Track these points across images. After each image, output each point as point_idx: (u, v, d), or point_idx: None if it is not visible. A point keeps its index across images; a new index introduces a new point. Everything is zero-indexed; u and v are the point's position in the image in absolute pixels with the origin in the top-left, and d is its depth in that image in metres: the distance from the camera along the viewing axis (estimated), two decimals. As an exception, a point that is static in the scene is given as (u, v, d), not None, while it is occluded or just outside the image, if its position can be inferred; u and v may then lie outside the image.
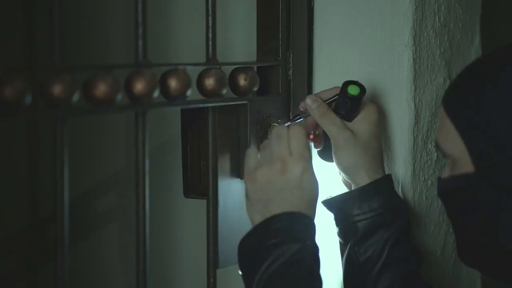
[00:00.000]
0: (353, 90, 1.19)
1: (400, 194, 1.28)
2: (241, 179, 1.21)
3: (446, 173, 1.01)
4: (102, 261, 1.57)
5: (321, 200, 1.21)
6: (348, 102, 1.19)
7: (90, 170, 1.53)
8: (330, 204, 1.21)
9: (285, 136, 1.10)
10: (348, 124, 1.19)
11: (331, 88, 1.22)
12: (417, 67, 1.30)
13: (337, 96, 1.20)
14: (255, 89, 1.21)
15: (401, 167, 1.29)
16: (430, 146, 1.34)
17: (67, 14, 0.96)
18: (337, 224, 1.20)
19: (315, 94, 1.23)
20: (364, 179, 1.18)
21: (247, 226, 1.21)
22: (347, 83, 1.19)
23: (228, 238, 1.18)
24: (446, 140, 0.99)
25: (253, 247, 1.04)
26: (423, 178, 1.32)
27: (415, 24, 1.29)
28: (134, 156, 1.04)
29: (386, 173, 1.23)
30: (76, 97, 0.94)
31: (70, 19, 1.10)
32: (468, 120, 0.95)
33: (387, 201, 1.18)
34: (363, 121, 1.19)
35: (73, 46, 1.37)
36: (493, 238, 0.96)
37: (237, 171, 1.22)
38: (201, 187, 1.22)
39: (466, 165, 0.96)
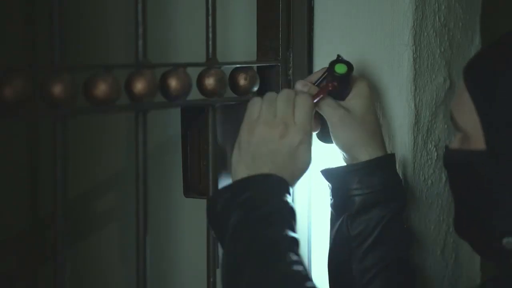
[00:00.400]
0: (340, 69, 1.17)
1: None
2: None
3: (455, 144, 1.01)
4: (102, 261, 1.57)
5: (321, 169, 1.21)
6: (337, 81, 1.17)
7: (90, 170, 1.53)
8: (329, 174, 1.20)
9: (292, 100, 1.10)
10: (342, 102, 1.18)
11: (319, 70, 1.21)
12: (417, 66, 1.30)
13: (325, 75, 1.19)
14: (255, 89, 1.20)
15: (401, 167, 1.29)
16: (430, 145, 1.34)
17: (67, 14, 0.96)
18: (333, 196, 1.19)
19: (306, 78, 1.22)
20: (364, 156, 1.17)
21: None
22: (334, 63, 1.18)
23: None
24: (461, 113, 0.98)
25: (225, 203, 1.04)
26: (423, 178, 1.32)
27: (415, 24, 1.29)
28: (134, 156, 1.04)
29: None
30: (76, 97, 0.94)
31: (70, 19, 1.10)
32: (487, 96, 0.94)
33: (388, 180, 1.18)
34: (355, 98, 1.18)
35: (73, 46, 1.37)
36: (488, 217, 0.96)
37: (237, 171, 1.22)
38: (201, 186, 1.22)
39: (478, 141, 0.95)
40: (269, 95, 1.12)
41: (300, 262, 0.96)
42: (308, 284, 0.94)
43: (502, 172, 0.94)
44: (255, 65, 1.24)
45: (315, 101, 1.15)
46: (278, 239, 0.99)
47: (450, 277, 1.37)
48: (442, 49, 1.35)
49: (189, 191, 1.25)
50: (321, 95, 1.16)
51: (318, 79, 1.20)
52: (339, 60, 1.18)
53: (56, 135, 0.95)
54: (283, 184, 1.05)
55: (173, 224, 1.57)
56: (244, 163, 1.08)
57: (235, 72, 1.19)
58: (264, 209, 1.02)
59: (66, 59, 0.95)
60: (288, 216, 1.02)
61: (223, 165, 1.20)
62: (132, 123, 1.04)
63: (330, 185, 1.20)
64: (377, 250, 1.16)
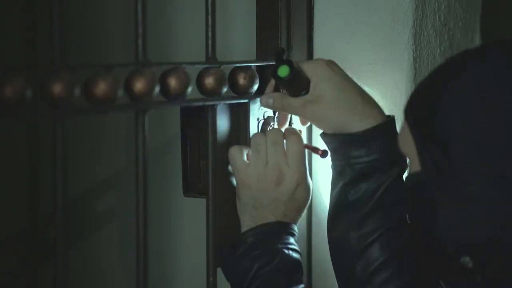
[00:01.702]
0: (282, 72, 1.15)
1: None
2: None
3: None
4: (102, 261, 1.57)
5: (320, 133, 1.20)
6: (287, 84, 1.16)
7: (90, 170, 1.53)
8: (329, 140, 1.19)
9: (282, 143, 1.14)
10: (308, 96, 1.17)
11: (269, 78, 1.21)
12: (417, 66, 1.30)
13: (275, 83, 1.19)
14: (255, 88, 1.20)
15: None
16: (430, 145, 1.34)
17: (67, 13, 0.96)
18: (333, 162, 1.19)
19: (267, 87, 1.22)
20: (359, 126, 1.16)
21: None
22: (274, 68, 1.15)
23: (228, 237, 1.18)
24: (402, 139, 1.00)
25: (240, 255, 1.13)
26: (423, 177, 1.32)
27: (415, 23, 1.29)
28: (134, 155, 1.04)
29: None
30: (76, 96, 0.94)
31: (70, 19, 1.10)
32: (419, 124, 0.97)
33: (387, 146, 1.16)
34: (318, 84, 1.16)
35: (73, 45, 1.37)
36: (435, 232, 0.97)
37: (237, 170, 1.22)
38: (201, 186, 1.22)
39: (417, 164, 0.97)
40: (258, 139, 1.16)
41: None
42: None
43: (435, 190, 0.95)
44: (254, 65, 1.24)
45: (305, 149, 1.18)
46: None
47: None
48: (442, 49, 1.35)
49: (188, 190, 1.25)
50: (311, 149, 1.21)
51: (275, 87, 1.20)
52: (279, 61, 1.15)
53: (56, 135, 0.95)
54: (288, 229, 1.14)
55: (173, 223, 1.57)
56: (248, 214, 1.15)
57: (234, 71, 1.19)
58: (272, 266, 1.11)
59: (66, 58, 0.95)
60: (294, 268, 1.12)
61: (222, 164, 1.20)
62: (131, 123, 1.04)
63: (330, 152, 1.20)
64: (376, 215, 1.15)
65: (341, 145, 1.17)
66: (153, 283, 1.07)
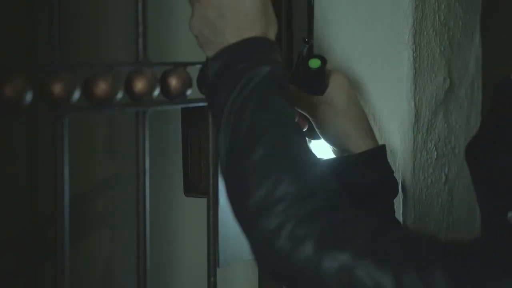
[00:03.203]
0: (313, 64, 1.16)
1: (400, 192, 1.28)
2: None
3: None
4: (102, 261, 1.56)
5: None
6: (313, 76, 1.16)
7: (90, 170, 1.52)
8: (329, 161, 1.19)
9: None
10: (322, 98, 1.18)
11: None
12: (417, 66, 1.30)
13: (298, 66, 1.18)
14: (255, 88, 1.20)
15: (401, 166, 1.29)
16: (430, 144, 1.34)
17: (67, 13, 0.96)
18: None
19: None
20: (354, 147, 1.17)
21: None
22: (306, 58, 1.17)
23: (229, 237, 1.18)
24: None
25: (221, 72, 0.97)
26: (423, 177, 1.32)
27: (415, 23, 1.29)
28: (134, 155, 1.04)
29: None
30: (76, 96, 0.94)
31: (70, 18, 1.10)
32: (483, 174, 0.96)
33: (382, 171, 1.17)
34: (335, 91, 1.18)
35: (73, 45, 1.36)
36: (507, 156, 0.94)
37: (238, 170, 1.22)
38: (202, 186, 1.22)
39: None
40: None
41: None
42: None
43: None
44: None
45: None
46: (284, 102, 0.94)
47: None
48: (442, 48, 1.35)
49: (189, 190, 1.25)
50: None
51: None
52: (311, 54, 1.17)
53: (56, 134, 0.94)
54: (272, 45, 0.98)
55: (174, 223, 1.57)
56: (208, 44, 1.00)
57: (235, 71, 1.18)
58: (263, 80, 0.94)
59: (66, 58, 0.95)
60: (284, 78, 0.97)
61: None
62: (132, 123, 1.04)
63: None
64: None
65: (338, 166, 1.17)
66: (153, 283, 1.07)
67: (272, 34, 1.00)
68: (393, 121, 1.30)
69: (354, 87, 1.23)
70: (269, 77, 0.95)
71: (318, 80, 1.18)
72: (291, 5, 1.28)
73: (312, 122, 1.19)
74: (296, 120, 0.98)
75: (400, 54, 1.29)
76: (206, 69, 0.99)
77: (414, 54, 1.29)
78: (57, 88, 0.92)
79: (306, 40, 1.17)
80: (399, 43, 1.29)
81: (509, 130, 0.96)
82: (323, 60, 1.17)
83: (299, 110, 1.18)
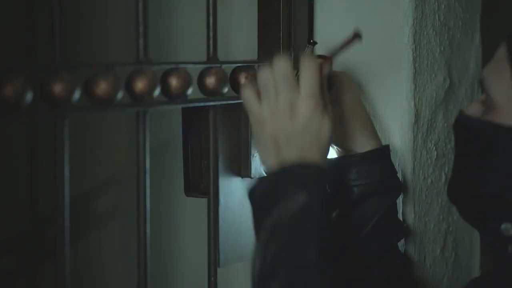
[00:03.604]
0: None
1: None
2: (242, 177, 1.22)
3: (474, 111, 0.98)
4: (102, 261, 1.56)
5: None
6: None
7: (90, 170, 1.52)
8: (331, 160, 1.20)
9: (290, 72, 1.04)
10: (331, 97, 1.17)
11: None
12: (417, 65, 1.30)
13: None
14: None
15: (401, 166, 1.29)
16: (430, 144, 1.34)
17: (67, 12, 0.96)
18: (329, 186, 1.16)
19: None
20: (359, 147, 1.18)
21: (248, 225, 1.20)
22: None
23: (229, 237, 1.18)
24: (497, 83, 0.96)
25: (264, 194, 1.02)
26: (423, 177, 1.32)
27: (415, 23, 1.29)
28: (135, 155, 1.04)
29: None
30: (76, 96, 0.94)
31: (71, 18, 1.10)
32: None
33: (385, 170, 1.18)
34: (341, 92, 1.19)
35: (73, 45, 1.36)
36: (499, 194, 0.95)
37: (238, 170, 1.22)
38: (202, 186, 1.22)
39: (508, 117, 0.94)
40: (263, 74, 1.05)
41: (327, 269, 0.96)
42: None
43: None
44: (256, 64, 1.24)
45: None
46: (309, 243, 0.97)
47: (450, 276, 1.37)
48: (442, 48, 1.35)
49: (190, 190, 1.25)
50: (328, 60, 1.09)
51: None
52: (316, 55, 1.16)
53: (57, 134, 0.94)
54: (316, 172, 1.01)
55: (174, 223, 1.57)
56: (271, 156, 1.04)
57: (236, 71, 1.18)
58: (297, 212, 0.98)
59: (66, 58, 0.95)
60: (322, 217, 1.00)
61: (223, 164, 1.20)
62: (132, 122, 1.04)
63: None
64: (373, 240, 1.17)
65: (342, 165, 1.18)
66: (154, 283, 1.07)
67: (323, 158, 1.04)
68: (393, 121, 1.30)
69: (359, 88, 1.24)
70: (304, 209, 0.98)
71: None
72: (291, 5, 1.28)
73: None
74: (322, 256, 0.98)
75: (400, 54, 1.29)
76: (254, 187, 1.03)
77: (414, 54, 1.29)
78: (58, 88, 0.92)
79: (311, 41, 1.18)
80: (399, 43, 1.29)
81: (480, 163, 0.97)
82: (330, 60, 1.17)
83: None
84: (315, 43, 1.17)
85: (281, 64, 1.05)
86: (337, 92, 1.18)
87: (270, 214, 0.99)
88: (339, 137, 1.18)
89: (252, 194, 1.03)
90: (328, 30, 1.33)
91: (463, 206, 1.03)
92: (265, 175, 1.07)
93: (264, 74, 1.05)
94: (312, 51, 1.17)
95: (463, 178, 1.02)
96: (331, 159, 1.20)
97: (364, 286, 1.16)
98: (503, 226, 0.94)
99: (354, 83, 1.20)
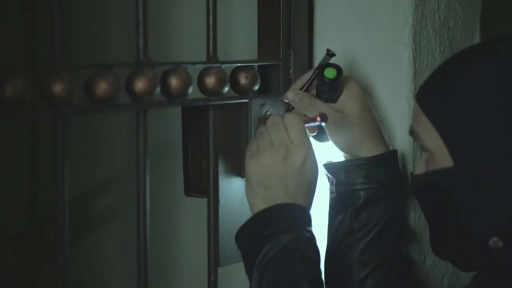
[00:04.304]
0: (329, 73, 1.18)
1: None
2: (242, 177, 1.22)
3: (420, 169, 1.04)
4: (102, 261, 1.57)
5: (323, 163, 1.21)
6: (327, 85, 1.18)
7: (91, 169, 1.53)
8: (333, 168, 1.21)
9: (282, 124, 1.13)
10: (335, 105, 1.19)
11: (308, 72, 1.22)
12: (417, 65, 1.30)
13: (314, 78, 1.20)
14: (256, 87, 1.20)
15: (401, 165, 1.29)
16: (430, 144, 1.34)
17: (67, 12, 0.96)
18: (336, 190, 1.21)
19: (294, 83, 1.23)
20: (366, 153, 1.19)
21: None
22: (323, 67, 1.19)
23: (229, 236, 1.18)
24: (425, 135, 1.01)
25: (251, 236, 1.10)
26: (423, 177, 1.32)
27: (415, 23, 1.29)
28: (135, 155, 1.04)
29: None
30: (76, 95, 0.94)
31: (71, 18, 1.10)
32: (443, 118, 0.98)
33: (392, 175, 1.19)
34: (348, 99, 1.20)
35: (73, 45, 1.37)
36: (469, 226, 0.98)
37: (238, 170, 1.22)
38: (202, 185, 1.22)
39: (445, 160, 0.98)
40: (260, 129, 1.15)
41: None
42: None
43: (473, 183, 0.97)
44: (256, 64, 1.24)
45: (306, 125, 1.16)
46: (301, 277, 1.06)
47: (450, 276, 1.37)
48: (442, 48, 1.35)
49: (190, 190, 1.25)
50: (310, 123, 1.16)
51: (306, 83, 1.20)
52: (328, 64, 1.19)
53: (57, 134, 0.94)
54: (301, 213, 1.10)
55: (174, 223, 1.57)
56: (260, 195, 1.12)
57: (236, 71, 1.19)
58: (285, 248, 1.07)
59: (67, 58, 0.95)
60: (310, 251, 1.08)
61: (223, 164, 1.20)
62: (132, 122, 1.04)
63: (333, 179, 1.21)
64: (377, 244, 1.18)
65: (350, 169, 1.19)
66: (154, 282, 1.07)
67: (311, 201, 1.14)
68: (393, 121, 1.30)
69: (366, 94, 1.24)
70: (291, 246, 1.07)
71: (332, 89, 1.19)
72: (291, 5, 1.28)
73: (325, 129, 1.20)
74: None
75: (400, 54, 1.29)
76: (240, 230, 1.12)
77: (414, 54, 1.29)
78: (58, 88, 0.92)
79: (330, 52, 1.19)
80: (399, 43, 1.29)
81: (445, 212, 1.01)
82: (339, 70, 1.18)
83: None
84: (333, 53, 1.19)
85: (273, 117, 1.15)
86: (345, 100, 1.19)
87: (260, 253, 1.07)
88: (346, 143, 1.19)
89: (240, 237, 1.11)
90: (328, 30, 1.33)
91: (452, 258, 1.06)
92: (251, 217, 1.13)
93: (260, 128, 1.16)
94: (325, 59, 1.19)
95: (439, 235, 1.05)
96: (338, 163, 1.21)
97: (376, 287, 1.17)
98: (491, 241, 0.97)
99: (362, 89, 1.21)
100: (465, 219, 0.98)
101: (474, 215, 0.97)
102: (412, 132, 1.05)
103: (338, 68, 1.19)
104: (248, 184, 1.14)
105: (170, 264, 1.58)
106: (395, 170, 1.21)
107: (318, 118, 1.16)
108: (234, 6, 1.46)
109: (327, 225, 1.23)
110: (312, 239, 1.09)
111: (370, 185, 1.18)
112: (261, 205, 1.11)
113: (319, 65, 1.20)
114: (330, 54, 1.20)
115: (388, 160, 1.20)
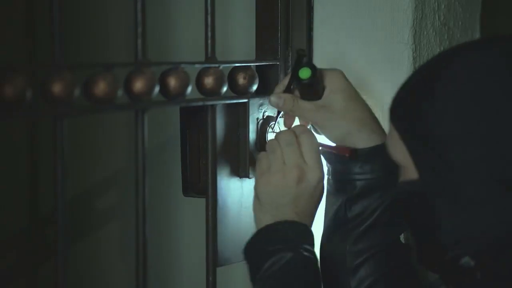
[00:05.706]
0: (304, 74, 1.16)
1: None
2: (241, 177, 1.22)
3: (400, 178, 1.03)
4: (102, 261, 1.57)
5: (320, 150, 1.21)
6: (306, 86, 1.16)
7: (90, 170, 1.53)
8: (330, 156, 1.20)
9: (295, 143, 1.14)
10: (319, 101, 1.18)
11: (285, 77, 1.21)
12: (417, 65, 1.30)
13: (292, 82, 1.18)
14: (254, 88, 1.21)
15: (401, 166, 1.29)
16: (430, 144, 1.33)
17: (67, 12, 0.96)
18: (332, 178, 1.20)
19: (276, 87, 1.22)
20: (361, 143, 1.18)
21: (246, 225, 1.21)
22: (297, 68, 1.16)
23: (227, 236, 1.18)
24: (393, 148, 1.01)
25: (256, 250, 1.13)
26: (423, 177, 1.32)
27: (415, 23, 1.29)
28: (134, 155, 1.04)
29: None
30: (76, 95, 0.94)
31: (71, 18, 1.10)
32: (410, 131, 0.97)
33: (389, 166, 1.18)
34: (332, 93, 1.18)
35: (73, 44, 1.37)
36: (437, 240, 0.97)
37: (236, 170, 1.22)
38: (201, 185, 1.22)
39: (411, 172, 0.98)
40: (272, 144, 1.16)
41: None
42: None
43: (436, 196, 0.96)
44: (254, 64, 1.24)
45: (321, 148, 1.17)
46: None
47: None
48: (442, 48, 1.35)
49: (188, 190, 1.25)
50: (327, 149, 1.18)
51: (288, 85, 1.19)
52: (301, 63, 1.16)
53: (56, 134, 0.95)
54: (307, 233, 1.13)
55: (173, 223, 1.57)
56: (269, 213, 1.14)
57: (234, 71, 1.19)
58: (282, 264, 1.11)
59: (66, 58, 0.95)
60: (307, 273, 1.12)
61: (221, 164, 1.21)
62: (131, 122, 1.04)
63: (329, 166, 1.21)
64: (372, 234, 1.17)
65: (346, 160, 1.18)
66: (153, 282, 1.07)
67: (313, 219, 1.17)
68: (393, 121, 1.30)
69: (351, 85, 1.22)
70: (290, 264, 1.11)
71: (312, 88, 1.17)
72: (290, 5, 1.28)
73: (316, 127, 1.20)
74: None
75: (400, 54, 1.29)
76: (249, 243, 1.14)
77: (414, 54, 1.29)
78: (57, 88, 0.92)
79: (300, 52, 1.17)
80: (399, 43, 1.29)
81: (422, 221, 1.00)
82: (313, 69, 1.16)
83: (299, 118, 1.20)
84: (303, 54, 1.17)
85: (286, 134, 1.17)
86: (328, 93, 1.18)
87: (262, 268, 1.11)
88: (334, 136, 1.18)
89: (247, 250, 1.14)
90: (327, 30, 1.33)
91: (436, 272, 1.06)
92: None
93: (272, 143, 1.17)
94: (297, 60, 1.17)
95: (419, 247, 1.04)
96: (335, 155, 1.20)
97: (368, 276, 1.17)
98: (463, 260, 0.97)
99: (345, 79, 1.19)
100: (433, 231, 0.97)
101: (439, 227, 0.96)
102: (384, 145, 1.05)
103: (312, 66, 1.16)
104: (257, 200, 1.15)
105: (168, 264, 1.58)
106: (391, 162, 1.20)
107: (347, 153, 1.17)
108: (233, 6, 1.46)
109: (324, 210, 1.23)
110: (310, 258, 1.12)
111: (366, 176, 1.17)
112: (269, 222, 1.14)
113: (293, 68, 1.18)
114: (300, 54, 1.18)
115: (384, 152, 1.19)
